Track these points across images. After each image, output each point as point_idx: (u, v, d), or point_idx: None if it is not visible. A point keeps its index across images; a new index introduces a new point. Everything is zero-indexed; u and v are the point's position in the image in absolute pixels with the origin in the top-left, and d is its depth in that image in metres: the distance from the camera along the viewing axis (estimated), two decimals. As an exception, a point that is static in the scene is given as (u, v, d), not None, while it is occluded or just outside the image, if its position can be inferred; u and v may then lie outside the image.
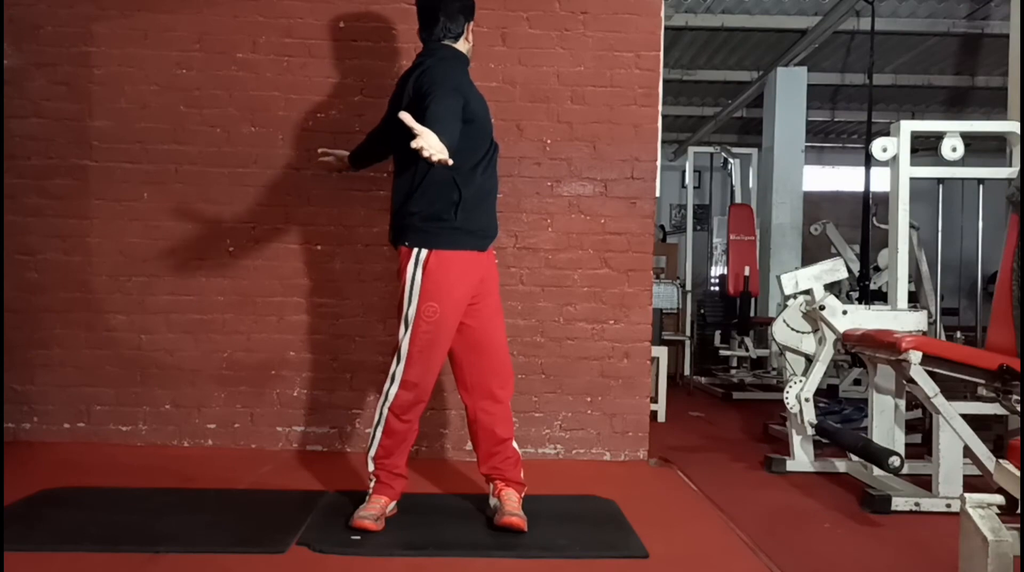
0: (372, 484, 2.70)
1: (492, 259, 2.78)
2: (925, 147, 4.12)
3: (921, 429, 4.28)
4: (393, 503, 2.73)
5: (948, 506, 2.99)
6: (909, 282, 3.76)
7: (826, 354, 3.73)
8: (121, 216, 3.77)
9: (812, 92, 8.67)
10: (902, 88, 8.89)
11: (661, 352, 5.13)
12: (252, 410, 3.78)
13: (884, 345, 3.15)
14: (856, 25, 6.93)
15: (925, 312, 3.63)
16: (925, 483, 3.20)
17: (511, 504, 2.63)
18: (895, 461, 3.02)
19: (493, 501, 2.71)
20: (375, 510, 2.62)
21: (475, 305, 2.68)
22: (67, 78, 3.77)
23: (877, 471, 3.32)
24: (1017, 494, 1.93)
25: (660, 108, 3.85)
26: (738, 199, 8.10)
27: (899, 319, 3.54)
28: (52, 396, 3.76)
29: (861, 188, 5.15)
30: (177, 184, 3.78)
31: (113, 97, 3.77)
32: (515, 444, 2.77)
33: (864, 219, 5.13)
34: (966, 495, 1.91)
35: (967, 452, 3.03)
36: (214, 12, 3.77)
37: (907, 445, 3.55)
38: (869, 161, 4.90)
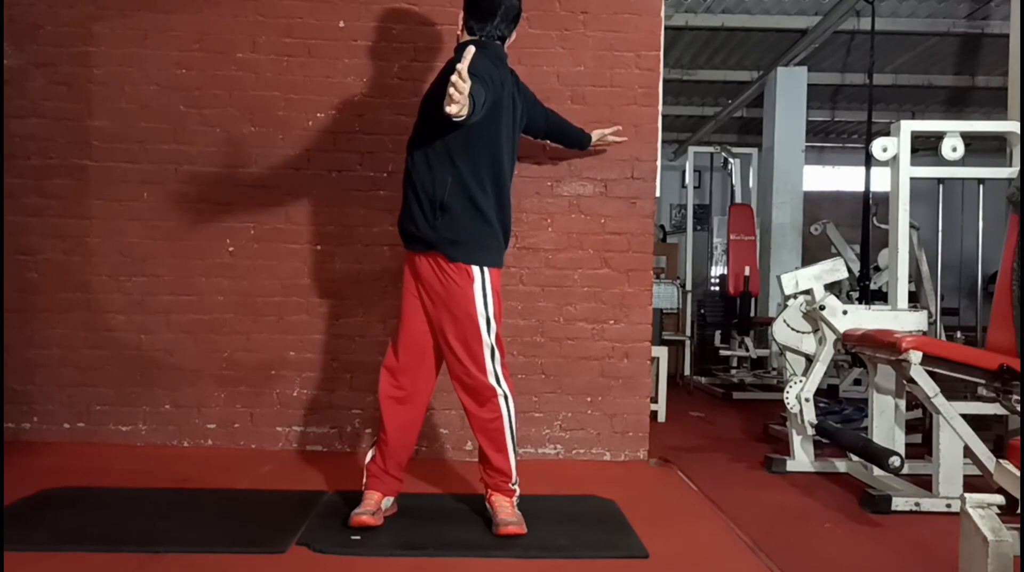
0: (364, 480, 2.72)
1: (438, 273, 2.61)
2: (925, 147, 4.12)
3: (921, 429, 4.28)
4: (390, 499, 2.74)
5: (948, 506, 2.99)
6: (909, 282, 3.76)
7: (826, 354, 3.73)
8: (121, 216, 3.77)
9: (812, 92, 8.68)
10: (902, 88, 8.89)
11: (661, 352, 5.13)
12: (252, 410, 3.78)
13: (884, 345, 3.15)
14: (856, 25, 6.93)
15: (925, 312, 3.63)
16: (925, 483, 3.20)
17: (504, 512, 2.62)
18: (895, 461, 3.02)
19: (488, 507, 2.71)
20: (370, 506, 2.64)
21: (429, 312, 2.68)
22: (67, 78, 3.77)
23: (877, 471, 3.32)
24: (1017, 494, 1.93)
25: (660, 108, 3.85)
26: (738, 199, 8.10)
27: (899, 319, 3.54)
28: (52, 396, 3.76)
29: (861, 188, 5.16)
30: (177, 184, 3.78)
31: (113, 97, 3.77)
32: (512, 459, 2.67)
33: (864, 219, 5.13)
34: (966, 495, 1.91)
35: (967, 452, 3.03)
36: (214, 12, 3.77)
37: (907, 445, 3.55)
38: (869, 161, 4.91)
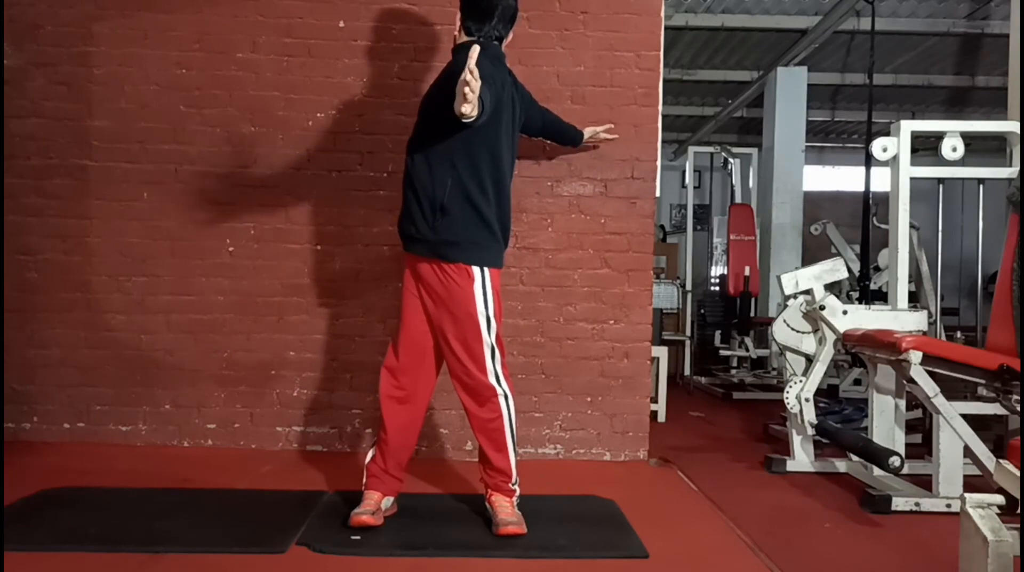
0: (364, 480, 2.73)
1: (439, 273, 2.61)
2: (925, 147, 4.12)
3: (921, 429, 4.28)
4: (390, 499, 2.74)
5: (948, 506, 2.99)
6: (909, 282, 3.76)
7: (826, 354, 3.73)
8: (121, 216, 3.78)
9: (812, 92, 8.68)
10: (902, 88, 8.90)
11: (661, 352, 5.13)
12: (252, 410, 3.78)
13: (884, 345, 3.15)
14: (856, 25, 6.94)
15: (925, 312, 3.63)
16: (925, 483, 3.20)
17: (504, 512, 2.62)
18: (895, 461, 3.02)
19: (488, 507, 2.71)
20: (370, 505, 2.65)
21: (429, 313, 2.68)
22: (67, 78, 3.77)
23: (877, 471, 3.32)
24: (1017, 494, 1.93)
25: (660, 108, 3.85)
26: (738, 199, 8.11)
27: (899, 319, 3.54)
28: (52, 396, 3.76)
29: (861, 188, 5.16)
30: (177, 184, 3.78)
31: (113, 97, 3.77)
32: (512, 459, 2.67)
33: (864, 219, 5.13)
34: (966, 495, 1.91)
35: (967, 452, 3.03)
36: (214, 12, 3.77)
37: (907, 445, 3.55)
38: (869, 161, 4.91)
